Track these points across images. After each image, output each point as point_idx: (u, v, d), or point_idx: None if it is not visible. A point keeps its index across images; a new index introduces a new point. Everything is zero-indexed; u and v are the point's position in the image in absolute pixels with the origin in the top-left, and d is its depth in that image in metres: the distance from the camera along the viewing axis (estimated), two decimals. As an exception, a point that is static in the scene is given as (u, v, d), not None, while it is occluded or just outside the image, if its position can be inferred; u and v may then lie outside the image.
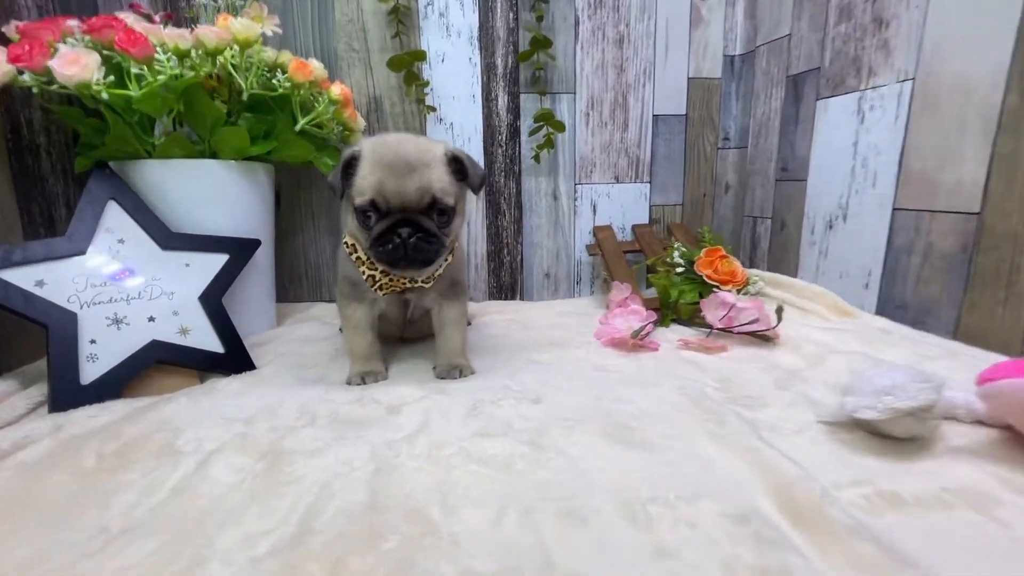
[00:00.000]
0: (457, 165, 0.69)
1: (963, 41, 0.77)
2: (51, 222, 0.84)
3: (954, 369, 0.69)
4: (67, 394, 0.66)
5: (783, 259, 1.17)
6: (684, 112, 1.27)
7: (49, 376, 0.66)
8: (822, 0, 1.02)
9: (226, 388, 0.74)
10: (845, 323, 0.93)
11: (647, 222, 1.32)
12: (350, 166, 0.66)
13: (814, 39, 1.04)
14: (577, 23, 1.18)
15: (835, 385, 0.67)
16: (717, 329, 0.91)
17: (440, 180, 0.66)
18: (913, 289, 0.87)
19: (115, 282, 0.75)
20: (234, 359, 0.81)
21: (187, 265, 0.82)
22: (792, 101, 1.12)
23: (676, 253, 1.13)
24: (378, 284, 0.72)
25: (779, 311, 0.84)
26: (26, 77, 0.70)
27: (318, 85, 0.94)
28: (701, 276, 1.10)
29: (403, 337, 0.95)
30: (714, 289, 1.05)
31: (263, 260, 0.99)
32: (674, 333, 0.97)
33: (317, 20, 1.12)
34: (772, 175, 1.19)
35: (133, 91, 0.73)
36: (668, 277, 1.09)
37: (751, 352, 0.84)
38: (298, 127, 0.95)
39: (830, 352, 0.79)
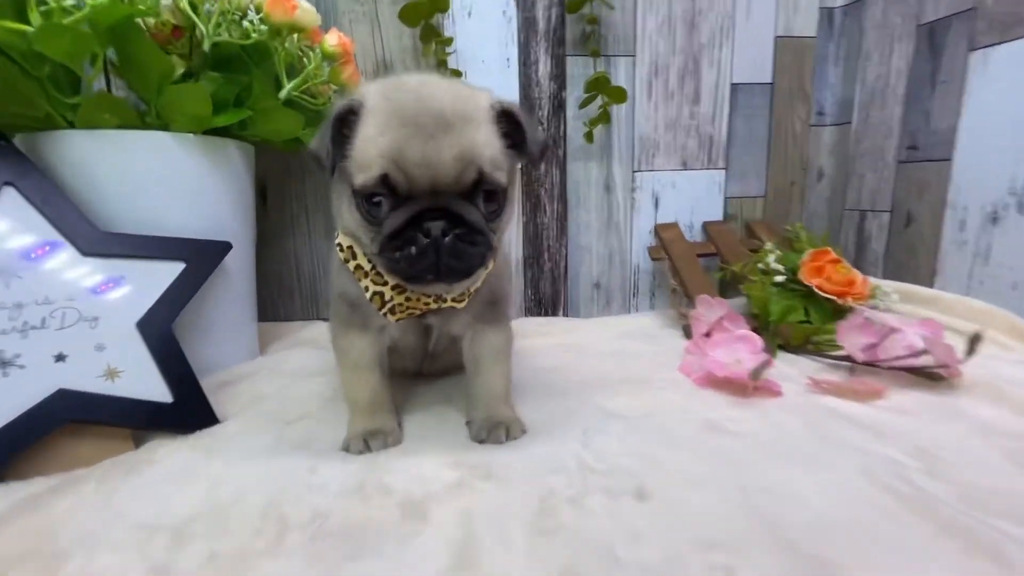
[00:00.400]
0: (510, 124, 0.44)
1: None
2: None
3: None
4: (-101, 486, 0.42)
5: (909, 264, 0.91)
6: (769, 80, 1.02)
7: None
8: (978, -82, 0.76)
9: (163, 462, 0.50)
10: (1034, 352, 0.67)
11: (721, 218, 1.06)
12: (345, 124, 0.43)
13: (968, -31, 0.78)
14: (638, -33, 0.94)
15: None
16: (860, 363, 0.65)
17: (489, 144, 0.42)
18: None
19: (7, 305, 0.51)
20: (186, 411, 0.57)
21: (121, 278, 0.58)
22: (927, 57, 0.86)
23: (772, 257, 0.88)
24: (388, 306, 0.49)
25: (974, 340, 0.58)
26: None
27: (307, 35, 0.70)
28: (808, 287, 0.84)
29: (421, 372, 0.70)
30: (845, 306, 0.78)
31: (239, 269, 0.75)
32: (787, 365, 0.72)
33: (311, -37, 0.88)
34: (892, 156, 0.93)
35: (34, 23, 0.49)
36: (766, 288, 0.83)
37: (923, 400, 0.58)
38: (283, 94, 0.71)
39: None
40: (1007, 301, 0.75)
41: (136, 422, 0.54)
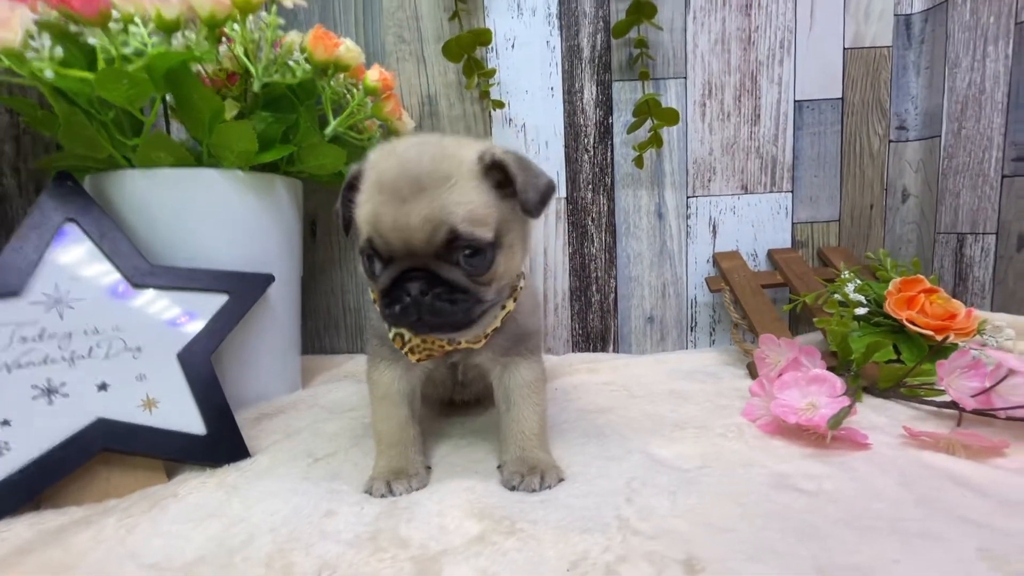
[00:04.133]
0: (503, 174, 0.44)
1: None
2: (13, 254, 0.66)
3: None
4: (-61, 512, 0.43)
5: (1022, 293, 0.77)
6: (839, 95, 0.93)
7: (-74, 481, 0.44)
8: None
9: (187, 498, 0.48)
10: None
11: (789, 246, 0.97)
12: (352, 188, 0.47)
13: (1078, -44, 0.68)
14: (687, -13, 0.90)
15: None
16: (970, 412, 0.54)
17: (465, 202, 0.42)
18: None
19: (58, 335, 0.53)
20: (219, 444, 0.56)
21: (166, 309, 0.59)
22: (1030, 58, 0.75)
23: (851, 286, 0.78)
24: (408, 346, 0.51)
25: (1125, 388, 0.46)
26: (-40, 59, 0.52)
27: (351, 72, 0.72)
28: (897, 321, 0.73)
29: (453, 400, 0.67)
30: (946, 344, 0.68)
31: (282, 301, 0.76)
32: (875, 412, 0.61)
33: (361, 8, 0.92)
34: (994, 171, 0.81)
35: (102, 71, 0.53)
36: (844, 322, 0.73)
37: (1060, 459, 0.47)
38: (329, 130, 0.73)
39: None
40: None
41: (169, 454, 0.54)
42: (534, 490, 0.47)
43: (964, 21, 0.84)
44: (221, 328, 0.62)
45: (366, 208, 0.43)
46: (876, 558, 0.35)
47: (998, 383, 0.52)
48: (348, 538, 0.41)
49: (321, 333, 1.00)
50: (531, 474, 0.48)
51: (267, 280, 0.69)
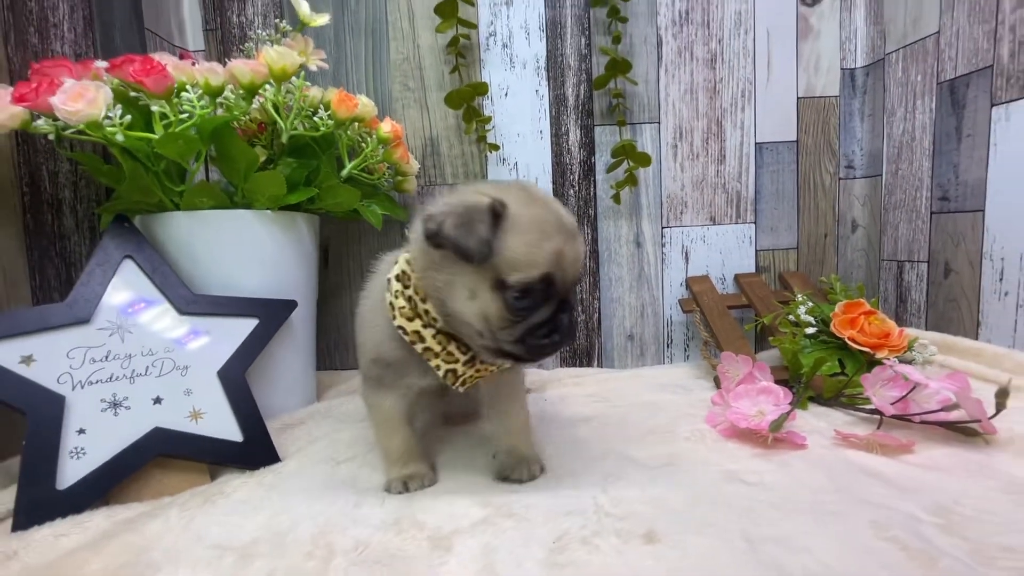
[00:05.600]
0: None
1: None
2: (70, 287, 0.75)
3: None
4: (34, 506, 0.52)
5: (952, 315, 0.89)
6: (795, 138, 1.06)
7: (20, 480, 0.52)
8: (987, -16, 0.79)
9: (233, 495, 0.57)
10: (1086, 409, 0.64)
11: (754, 271, 1.08)
12: (488, 225, 0.46)
13: (981, 31, 0.81)
14: (660, 44, 1.02)
15: None
16: (889, 417, 0.65)
17: None
18: None
19: (120, 356, 0.62)
20: (254, 450, 0.65)
21: (207, 332, 0.69)
22: (950, 112, 0.87)
23: (802, 308, 0.89)
24: (460, 379, 0.54)
25: (1001, 395, 0.57)
26: (41, 122, 0.61)
27: (366, 123, 0.82)
28: (840, 339, 0.84)
29: (446, 419, 0.76)
30: (875, 358, 0.79)
31: (301, 324, 0.85)
32: (816, 418, 0.72)
33: (371, 59, 1.03)
34: (924, 207, 0.93)
35: (157, 132, 0.63)
36: (795, 341, 0.84)
37: (955, 455, 0.58)
38: (345, 172, 0.83)
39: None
40: (1055, 354, 0.72)
41: (213, 457, 0.63)
42: (523, 480, 0.56)
43: (897, 77, 0.97)
44: (253, 348, 0.71)
45: (548, 246, 0.46)
46: (792, 530, 0.45)
47: (909, 392, 0.63)
48: (375, 523, 0.50)
49: (332, 351, 1.09)
50: (522, 465, 0.57)
51: (291, 305, 0.78)
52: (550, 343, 0.47)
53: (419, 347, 0.52)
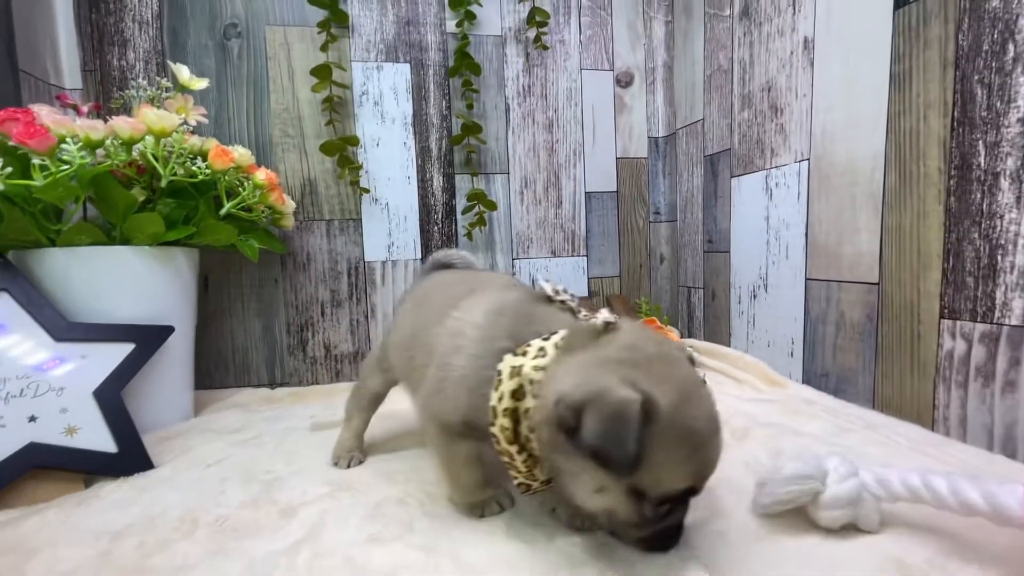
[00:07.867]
0: None
1: (846, 127, 0.84)
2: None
3: (872, 443, 0.68)
4: (-91, 513, 0.58)
5: (717, 328, 1.19)
6: (615, 189, 1.33)
7: None
8: (727, 90, 1.10)
9: (108, 497, 0.67)
10: (776, 393, 0.93)
11: (587, 294, 1.33)
12: (638, 423, 0.39)
13: (724, 123, 1.12)
14: (508, 110, 1.25)
15: (750, 464, 0.65)
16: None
17: None
18: (832, 358, 0.88)
19: (-6, 380, 0.69)
20: (128, 459, 0.74)
21: (83, 357, 0.77)
22: (711, 179, 1.18)
23: (612, 325, 1.14)
24: (531, 491, 0.52)
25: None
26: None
27: (244, 170, 0.95)
28: (637, 348, 1.10)
29: None
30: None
31: (179, 346, 0.94)
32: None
33: (252, 108, 1.15)
34: (700, 247, 1.24)
35: (37, 181, 0.71)
36: (604, 350, 1.08)
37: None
38: (223, 211, 0.94)
39: (756, 425, 0.78)
40: (766, 354, 1.02)
41: (88, 467, 0.71)
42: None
43: (683, 148, 1.28)
44: (129, 371, 0.80)
45: (696, 460, 0.41)
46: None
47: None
48: (236, 504, 0.63)
49: (212, 371, 1.17)
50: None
51: (168, 331, 0.88)
52: (671, 546, 0.45)
53: (504, 458, 0.48)
